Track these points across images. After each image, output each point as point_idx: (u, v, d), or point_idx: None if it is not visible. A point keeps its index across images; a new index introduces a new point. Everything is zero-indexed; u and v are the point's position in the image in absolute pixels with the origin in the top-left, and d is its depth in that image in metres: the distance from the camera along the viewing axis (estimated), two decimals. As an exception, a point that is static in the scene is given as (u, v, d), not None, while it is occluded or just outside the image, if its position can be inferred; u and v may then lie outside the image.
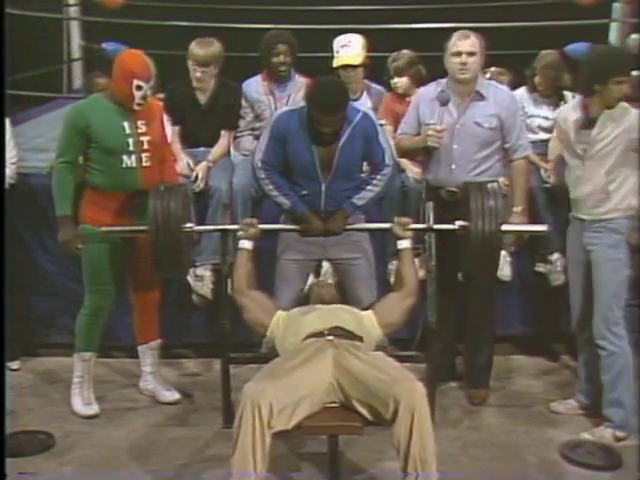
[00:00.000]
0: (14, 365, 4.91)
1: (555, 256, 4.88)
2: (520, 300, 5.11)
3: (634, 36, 5.26)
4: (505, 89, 4.62)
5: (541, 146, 4.97)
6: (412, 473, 3.22)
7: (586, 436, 4.17)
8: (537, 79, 5.14)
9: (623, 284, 4.10)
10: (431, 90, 4.48)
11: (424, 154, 4.53)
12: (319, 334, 3.56)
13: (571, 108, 4.29)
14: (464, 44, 4.30)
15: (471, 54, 4.30)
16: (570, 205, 4.29)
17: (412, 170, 4.89)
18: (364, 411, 3.34)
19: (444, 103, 4.39)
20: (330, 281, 4.21)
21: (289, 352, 3.56)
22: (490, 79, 4.99)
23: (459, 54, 4.30)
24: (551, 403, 4.50)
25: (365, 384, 3.33)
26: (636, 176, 4.07)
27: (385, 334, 3.79)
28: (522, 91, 5.21)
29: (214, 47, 4.99)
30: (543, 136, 5.05)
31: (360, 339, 3.61)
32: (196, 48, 4.95)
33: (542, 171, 4.94)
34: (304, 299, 4.11)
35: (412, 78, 5.10)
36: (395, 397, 3.23)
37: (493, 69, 5.35)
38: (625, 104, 4.11)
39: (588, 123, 4.12)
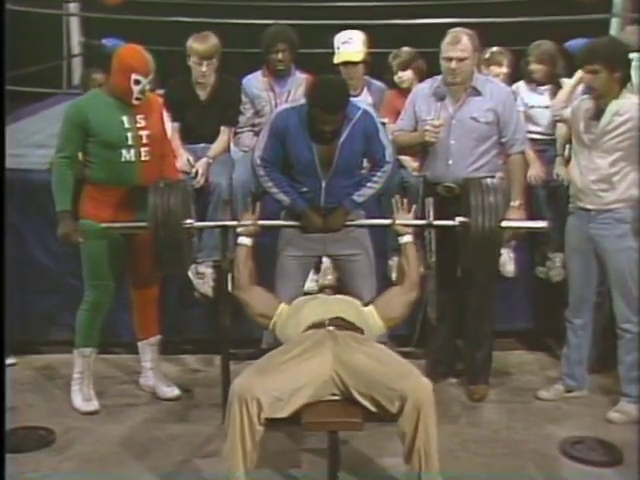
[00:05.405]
0: (10, 360, 4.88)
1: (554, 253, 4.88)
2: (520, 295, 5.11)
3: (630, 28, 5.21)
4: (501, 84, 4.62)
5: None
6: (416, 472, 3.24)
7: (612, 415, 4.28)
8: (532, 67, 5.07)
9: (636, 269, 4.22)
10: (427, 86, 4.48)
11: (421, 150, 4.53)
12: (320, 324, 3.56)
13: (584, 98, 4.33)
14: (454, 50, 4.26)
15: (461, 59, 4.27)
16: (569, 198, 4.37)
17: (411, 165, 4.88)
18: (366, 403, 3.33)
19: (441, 98, 4.39)
20: (330, 276, 4.20)
21: (289, 343, 3.56)
22: (490, 60, 5.00)
23: (450, 59, 4.29)
24: (537, 391, 4.58)
25: (367, 377, 3.32)
26: (638, 169, 4.16)
27: (388, 327, 3.79)
28: (521, 83, 5.18)
29: (213, 40, 5.00)
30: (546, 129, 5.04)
31: (361, 331, 3.61)
32: (196, 43, 4.95)
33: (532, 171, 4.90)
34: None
35: (415, 72, 5.11)
36: (401, 394, 3.23)
37: (494, 49, 5.32)
38: (634, 96, 4.17)
39: (597, 114, 4.19)
